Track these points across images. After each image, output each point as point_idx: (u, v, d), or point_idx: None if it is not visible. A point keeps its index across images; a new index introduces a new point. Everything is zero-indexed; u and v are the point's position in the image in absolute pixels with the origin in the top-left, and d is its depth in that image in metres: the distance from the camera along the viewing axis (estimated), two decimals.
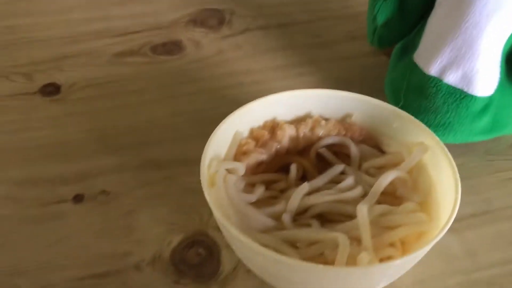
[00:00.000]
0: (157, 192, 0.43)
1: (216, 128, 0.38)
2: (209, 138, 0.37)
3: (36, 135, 0.47)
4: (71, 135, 0.47)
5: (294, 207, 0.35)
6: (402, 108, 0.42)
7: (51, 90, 0.52)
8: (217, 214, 0.32)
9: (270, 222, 0.35)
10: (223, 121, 0.38)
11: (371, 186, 0.36)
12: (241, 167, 0.37)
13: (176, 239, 0.39)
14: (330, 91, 0.41)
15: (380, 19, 0.47)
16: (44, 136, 0.47)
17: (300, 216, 0.36)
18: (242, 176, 0.37)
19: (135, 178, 0.44)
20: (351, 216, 0.35)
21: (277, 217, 0.35)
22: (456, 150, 0.37)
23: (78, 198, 0.42)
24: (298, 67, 0.55)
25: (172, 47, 0.58)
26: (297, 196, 0.35)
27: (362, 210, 0.33)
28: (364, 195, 0.36)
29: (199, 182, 0.36)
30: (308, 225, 0.35)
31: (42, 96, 0.51)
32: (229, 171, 0.37)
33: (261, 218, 0.35)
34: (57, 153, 0.46)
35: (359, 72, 0.55)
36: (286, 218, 0.34)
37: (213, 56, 0.57)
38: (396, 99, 0.46)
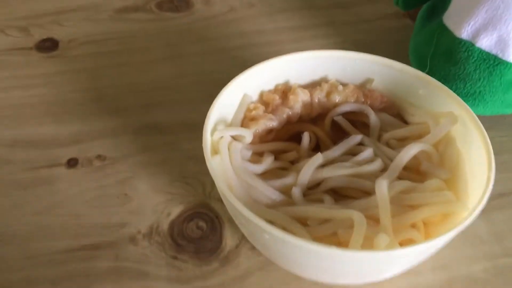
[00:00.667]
0: (157, 159, 0.39)
1: (222, 90, 0.34)
2: (214, 100, 0.33)
3: (29, 93, 0.44)
4: (67, 94, 0.44)
5: (306, 180, 0.32)
6: (428, 74, 0.38)
7: (48, 45, 0.49)
8: (219, 184, 0.29)
9: (278, 196, 0.31)
10: (230, 82, 0.35)
11: (392, 159, 0.33)
12: (248, 134, 0.33)
13: (175, 211, 0.36)
14: (348, 53, 0.37)
15: None
16: (38, 95, 0.44)
17: (312, 190, 0.32)
18: (249, 144, 0.34)
19: (134, 142, 0.40)
20: (369, 193, 0.31)
21: (286, 191, 0.32)
22: (484, 122, 0.33)
23: (71, 163, 0.39)
24: (314, 29, 0.51)
25: (180, 3, 0.54)
26: (309, 168, 0.32)
27: (382, 186, 0.30)
28: (383, 170, 0.32)
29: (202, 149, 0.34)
30: (320, 201, 0.31)
31: (38, 52, 0.48)
32: (235, 138, 0.34)
33: (268, 191, 0.31)
34: (51, 113, 0.43)
35: (380, 36, 0.50)
36: (296, 192, 0.31)
37: (223, 14, 0.52)
38: (421, 65, 0.42)
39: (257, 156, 0.34)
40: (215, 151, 0.32)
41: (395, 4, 0.46)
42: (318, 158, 0.32)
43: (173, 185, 0.38)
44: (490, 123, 0.41)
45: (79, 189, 0.37)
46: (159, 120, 0.42)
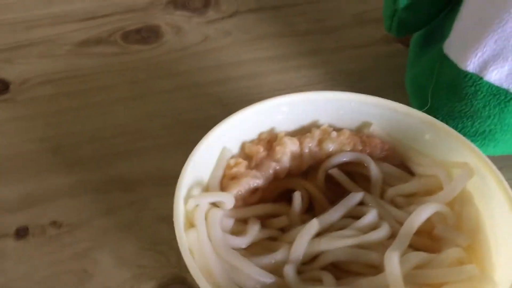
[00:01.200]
0: (122, 222, 0.34)
1: (197, 145, 0.29)
2: (188, 159, 0.28)
3: None
4: (18, 146, 0.38)
5: (300, 255, 0.26)
6: (429, 112, 0.33)
7: None
8: (194, 273, 0.24)
9: (267, 278, 0.26)
10: (206, 135, 0.29)
11: (399, 222, 0.28)
12: (229, 199, 0.28)
13: None
14: (342, 94, 0.32)
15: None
16: None
17: (308, 266, 0.27)
18: (231, 209, 0.28)
19: (95, 203, 0.35)
20: (376, 267, 0.26)
21: (277, 270, 0.26)
22: (495, 163, 0.28)
23: (21, 232, 0.33)
24: (297, 58, 0.46)
25: (148, 34, 0.48)
26: (304, 240, 0.27)
27: (392, 261, 0.24)
28: (391, 236, 0.27)
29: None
30: (319, 280, 0.26)
31: None
32: (213, 203, 0.28)
33: (255, 272, 0.26)
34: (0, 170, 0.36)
35: (371, 64, 0.46)
36: (289, 271, 0.26)
37: (196, 44, 0.47)
38: (421, 100, 0.37)
39: (240, 224, 0.28)
40: (190, 223, 0.27)
41: (387, 30, 0.41)
42: (313, 226, 0.27)
43: (142, 254, 0.32)
44: (501, 164, 0.36)
45: (30, 267, 0.31)
46: (124, 173, 0.37)
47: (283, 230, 0.29)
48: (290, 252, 0.26)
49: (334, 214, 0.28)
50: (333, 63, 0.46)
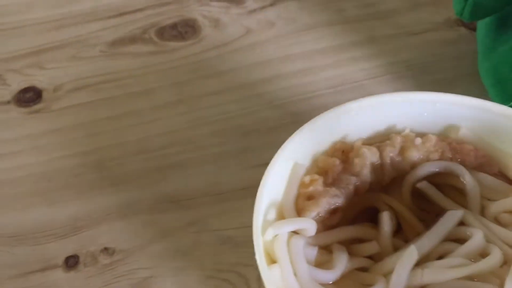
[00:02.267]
0: (181, 247, 0.31)
1: (271, 164, 0.25)
2: (262, 181, 0.25)
3: (8, 165, 0.35)
4: (57, 162, 0.35)
5: None
6: None
7: (29, 97, 0.39)
8: None
9: None
10: (280, 152, 0.26)
11: (508, 244, 0.24)
12: (311, 226, 0.24)
13: None
14: (424, 94, 0.28)
15: None
16: (21, 166, 0.35)
17: None
18: (312, 236, 0.25)
19: (149, 225, 0.32)
20: None
21: None
22: None
23: (71, 263, 0.30)
24: (350, 49, 0.42)
25: (185, 29, 0.44)
26: (404, 271, 0.23)
27: None
28: (504, 263, 0.23)
29: (239, 227, 0.29)
30: None
31: (17, 107, 0.39)
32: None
33: None
34: (39, 191, 0.33)
35: (434, 52, 0.41)
36: None
37: (238, 38, 0.43)
38: (504, 95, 0.33)
39: (325, 253, 0.25)
40: (268, 256, 0.24)
41: (458, 15, 0.37)
42: (413, 254, 0.23)
43: (207, 283, 0.29)
44: None
45: None
46: (176, 189, 0.33)
47: (372, 258, 0.25)
48: (390, 284, 0.23)
49: (433, 238, 0.24)
50: (391, 52, 0.41)
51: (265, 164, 0.25)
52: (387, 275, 0.23)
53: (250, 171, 0.34)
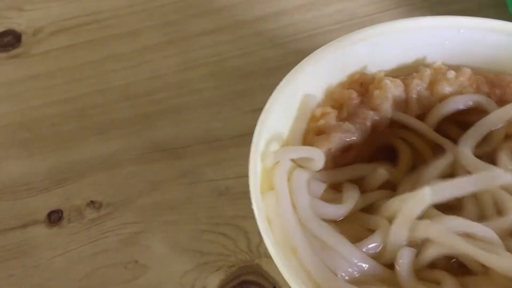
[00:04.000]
0: (174, 199, 0.28)
1: (275, 92, 0.22)
2: (265, 107, 0.22)
3: None
4: (37, 110, 0.32)
5: (402, 239, 0.20)
6: None
7: (8, 41, 0.36)
8: (274, 252, 0.19)
9: (367, 262, 0.20)
10: (285, 80, 0.23)
11: None
12: (319, 156, 0.22)
13: (212, 283, 0.25)
14: (461, 19, 0.25)
15: None
16: None
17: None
18: (320, 171, 0.22)
19: (137, 176, 0.29)
20: None
21: (383, 257, 0.20)
22: None
23: (54, 218, 0.27)
24: None
25: None
26: (406, 219, 0.20)
27: None
28: None
29: (236, 176, 0.27)
30: (434, 282, 0.20)
31: None
32: (297, 163, 0.22)
33: (352, 253, 0.20)
34: (18, 141, 0.31)
35: None
36: (404, 266, 0.19)
37: None
38: None
39: (332, 192, 0.22)
40: (268, 186, 0.21)
41: None
42: (424, 197, 0.20)
43: (202, 238, 0.26)
44: None
45: (67, 260, 0.26)
46: (167, 137, 0.30)
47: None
48: (389, 233, 0.20)
49: (456, 188, 0.21)
50: None
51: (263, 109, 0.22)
52: (392, 219, 0.21)
53: (248, 116, 0.31)
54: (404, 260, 0.20)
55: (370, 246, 0.20)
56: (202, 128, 0.31)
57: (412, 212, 0.21)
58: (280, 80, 0.23)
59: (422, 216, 0.20)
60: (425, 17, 0.24)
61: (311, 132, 0.23)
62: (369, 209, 0.22)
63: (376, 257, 0.21)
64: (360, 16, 0.35)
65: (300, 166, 0.22)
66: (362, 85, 0.24)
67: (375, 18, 0.35)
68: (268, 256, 0.25)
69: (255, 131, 0.22)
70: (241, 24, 0.36)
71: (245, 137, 0.29)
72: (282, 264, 0.19)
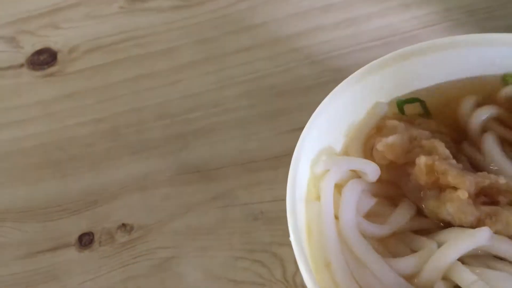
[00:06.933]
0: (207, 222, 0.27)
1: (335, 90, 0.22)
2: (322, 104, 0.22)
3: (20, 134, 0.32)
4: (72, 130, 0.32)
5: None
6: None
7: (44, 59, 0.36)
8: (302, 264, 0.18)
9: None
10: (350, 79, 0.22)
11: None
12: (371, 170, 0.21)
13: None
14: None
15: None
16: (33, 135, 0.32)
17: None
18: (378, 184, 0.21)
19: (170, 200, 0.28)
20: None
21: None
22: None
23: (85, 240, 0.27)
24: None
25: None
26: (450, 254, 0.19)
27: None
28: None
29: (272, 200, 0.26)
30: None
31: (30, 70, 0.35)
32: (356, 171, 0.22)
33: (390, 278, 0.19)
34: (52, 161, 0.30)
35: None
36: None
37: None
38: None
39: (385, 203, 0.21)
40: (316, 194, 0.21)
41: None
42: (477, 237, 0.18)
43: (236, 266, 0.25)
44: None
45: (97, 285, 0.25)
46: (201, 158, 0.29)
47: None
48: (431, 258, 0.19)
49: None
50: None
51: (301, 129, 0.21)
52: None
53: (284, 136, 0.30)
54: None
55: (405, 265, 0.19)
56: (237, 149, 0.30)
57: (464, 245, 0.19)
58: (316, 99, 0.23)
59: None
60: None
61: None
62: (422, 232, 0.21)
63: (408, 277, 0.19)
64: (401, 32, 0.34)
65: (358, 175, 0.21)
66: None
67: (417, 34, 0.34)
68: (304, 286, 0.24)
69: (303, 134, 0.21)
70: (278, 41, 0.35)
71: (281, 159, 0.28)
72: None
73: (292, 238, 0.19)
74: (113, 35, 0.37)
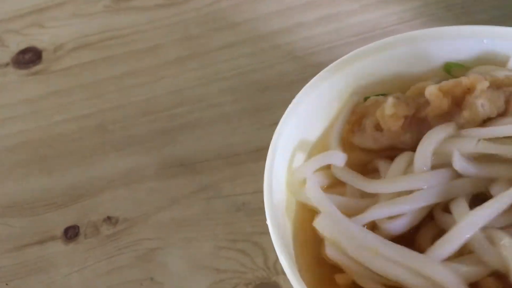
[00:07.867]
0: (190, 215, 0.27)
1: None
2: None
3: (6, 132, 0.32)
4: (58, 126, 0.32)
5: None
6: None
7: (29, 58, 0.36)
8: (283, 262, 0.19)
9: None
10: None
11: None
12: (338, 159, 0.22)
13: None
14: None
15: None
16: (18, 132, 0.32)
17: None
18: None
19: (155, 192, 0.28)
20: None
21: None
22: None
23: (70, 233, 0.27)
24: None
25: None
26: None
27: None
28: None
29: (254, 191, 0.27)
30: None
31: (16, 69, 0.36)
32: None
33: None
34: (38, 158, 0.31)
35: None
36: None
37: None
38: None
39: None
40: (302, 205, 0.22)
41: None
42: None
43: (220, 255, 0.26)
44: None
45: (83, 277, 0.26)
46: (186, 152, 0.30)
47: None
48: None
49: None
50: None
51: None
52: None
53: (267, 130, 0.30)
54: None
55: None
56: (221, 143, 0.30)
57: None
58: None
59: None
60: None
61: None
62: None
63: None
64: (381, 27, 0.35)
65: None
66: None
67: (396, 29, 0.34)
68: (285, 273, 0.25)
69: (271, 144, 0.22)
70: (261, 37, 0.36)
71: (263, 152, 0.28)
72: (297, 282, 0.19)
73: (268, 222, 0.20)
74: (98, 34, 0.37)
